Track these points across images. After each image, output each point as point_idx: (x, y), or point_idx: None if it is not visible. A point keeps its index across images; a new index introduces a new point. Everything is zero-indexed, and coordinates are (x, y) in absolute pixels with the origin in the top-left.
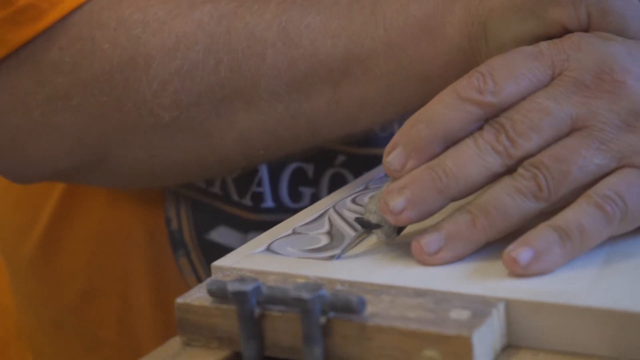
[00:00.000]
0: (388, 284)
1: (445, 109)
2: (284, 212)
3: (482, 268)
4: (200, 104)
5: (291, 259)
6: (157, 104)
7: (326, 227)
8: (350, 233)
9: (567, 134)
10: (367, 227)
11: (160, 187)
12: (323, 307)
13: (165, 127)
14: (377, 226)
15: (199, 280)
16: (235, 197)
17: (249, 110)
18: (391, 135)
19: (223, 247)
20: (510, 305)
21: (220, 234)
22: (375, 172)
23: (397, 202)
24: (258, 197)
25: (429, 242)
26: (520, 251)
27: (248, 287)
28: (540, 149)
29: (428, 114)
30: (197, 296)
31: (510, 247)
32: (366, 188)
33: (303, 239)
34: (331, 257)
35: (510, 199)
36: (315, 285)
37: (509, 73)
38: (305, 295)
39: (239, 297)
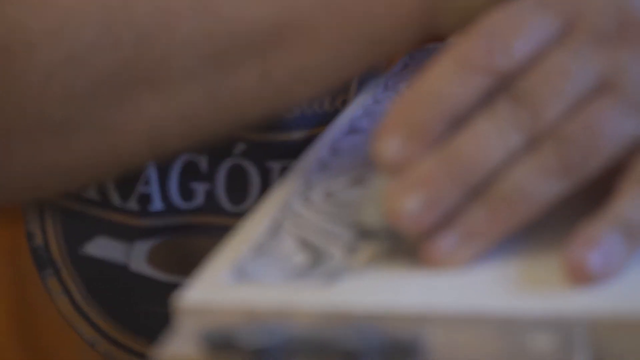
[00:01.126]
0: (425, 313)
1: (448, 82)
2: (174, 214)
3: (524, 273)
4: (97, 94)
5: (276, 287)
6: (44, 99)
7: (294, 241)
8: (324, 245)
9: (593, 97)
10: (369, 236)
11: (37, 199)
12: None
13: (55, 126)
14: (382, 235)
15: (73, 303)
16: (116, 201)
17: (159, 95)
18: (303, 115)
19: (102, 262)
20: (593, 326)
21: (98, 247)
22: (307, 162)
23: (410, 205)
24: (145, 199)
25: (442, 243)
26: (590, 255)
27: (272, 339)
28: (565, 118)
29: (428, 90)
30: (183, 352)
31: (573, 250)
32: (307, 185)
33: (274, 257)
34: (327, 280)
35: (534, 182)
36: (362, 327)
37: (517, 30)
38: (356, 343)
39: (264, 357)
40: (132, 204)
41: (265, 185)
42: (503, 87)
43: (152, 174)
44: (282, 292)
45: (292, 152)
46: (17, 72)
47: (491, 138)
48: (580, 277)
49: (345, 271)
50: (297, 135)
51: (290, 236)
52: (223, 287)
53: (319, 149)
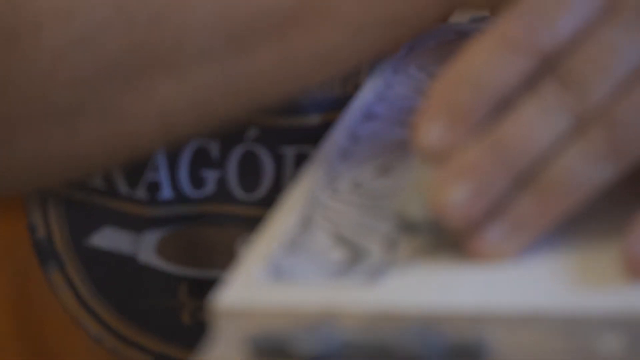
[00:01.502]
0: (486, 313)
1: (491, 63)
2: (184, 203)
3: (581, 267)
4: (108, 78)
5: (317, 287)
6: (51, 83)
7: (328, 236)
8: (362, 239)
9: None
10: (412, 229)
11: (41, 189)
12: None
13: (62, 112)
14: (426, 228)
15: (78, 298)
16: (124, 189)
17: (173, 78)
18: (316, 99)
19: (109, 254)
20: None
21: (104, 238)
22: (328, 150)
23: (457, 195)
24: (154, 187)
25: (490, 234)
26: None
27: (327, 344)
28: (614, 98)
29: (470, 71)
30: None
31: (632, 243)
32: (333, 175)
33: (310, 254)
34: (373, 280)
35: (584, 167)
36: (420, 329)
37: (560, 7)
38: (418, 350)
39: None
40: (141, 193)
41: (279, 172)
42: (548, 67)
43: (161, 160)
44: (326, 292)
45: (307, 137)
46: (23, 54)
47: (538, 122)
48: None
49: (389, 268)
50: (311, 119)
51: (323, 230)
52: (262, 287)
53: (337, 137)
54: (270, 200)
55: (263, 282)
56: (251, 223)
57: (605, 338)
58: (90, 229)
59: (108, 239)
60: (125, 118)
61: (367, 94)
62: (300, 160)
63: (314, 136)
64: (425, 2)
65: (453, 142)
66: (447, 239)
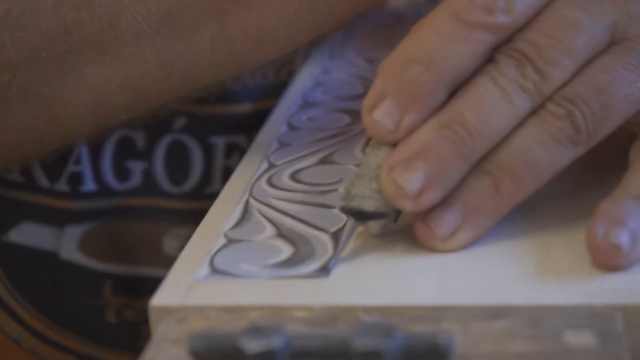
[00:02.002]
0: (436, 305)
1: (447, 42)
2: (108, 196)
3: (542, 256)
4: (37, 61)
5: (264, 283)
6: None
7: (271, 229)
8: (306, 232)
9: (604, 52)
10: (362, 218)
11: None
12: (401, 358)
13: None
14: (377, 215)
15: None
16: (43, 182)
17: (106, 61)
18: (247, 87)
19: (29, 250)
20: (631, 314)
21: (23, 233)
22: (264, 140)
23: (412, 180)
24: (75, 179)
25: (442, 222)
26: (619, 234)
27: (275, 341)
28: (575, 77)
29: (424, 50)
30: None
31: (599, 229)
32: (271, 166)
33: (252, 248)
34: (320, 272)
35: (541, 149)
36: (380, 326)
37: None
38: (379, 344)
39: None
40: (62, 185)
41: (208, 163)
42: (506, 44)
43: (83, 151)
44: (272, 288)
45: (237, 126)
46: None
47: (497, 103)
48: (613, 258)
49: (337, 261)
50: (242, 107)
51: (264, 223)
52: (190, 284)
53: (274, 126)
54: (199, 193)
55: (204, 280)
56: (179, 217)
57: (570, 332)
58: (8, 224)
59: (27, 234)
60: (55, 102)
61: (304, 80)
62: (231, 150)
63: (245, 125)
64: None
65: (406, 123)
66: (395, 225)
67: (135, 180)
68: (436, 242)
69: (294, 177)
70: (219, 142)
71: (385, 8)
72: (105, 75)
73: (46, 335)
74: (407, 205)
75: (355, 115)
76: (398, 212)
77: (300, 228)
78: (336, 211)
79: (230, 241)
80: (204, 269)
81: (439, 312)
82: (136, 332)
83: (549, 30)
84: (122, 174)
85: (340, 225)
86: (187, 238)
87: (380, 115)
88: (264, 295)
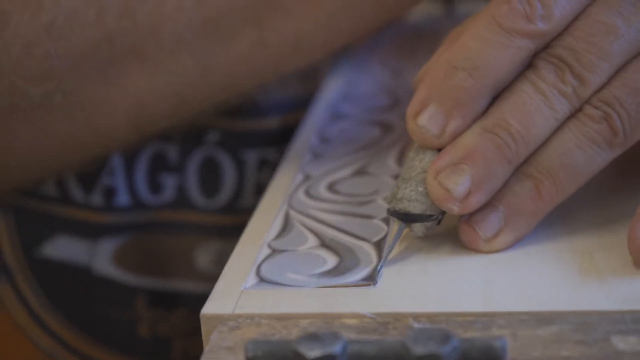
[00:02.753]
0: (485, 311)
1: (489, 48)
2: (142, 209)
3: (584, 261)
4: (81, 69)
5: (312, 292)
6: (21, 75)
7: (313, 239)
8: (349, 242)
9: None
10: (409, 220)
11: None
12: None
13: (31, 106)
14: (424, 218)
15: (29, 312)
16: (78, 195)
17: (147, 68)
18: (274, 100)
19: (62, 264)
20: None
21: (57, 247)
22: (297, 152)
23: (459, 183)
24: (109, 192)
25: (486, 223)
26: None
27: (334, 347)
28: (612, 81)
29: (467, 57)
30: None
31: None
32: (307, 177)
33: (297, 258)
34: (367, 280)
35: (580, 152)
36: (435, 332)
37: None
38: (437, 348)
39: None
40: (96, 198)
41: (240, 178)
42: (545, 50)
43: (117, 164)
44: (321, 296)
45: (268, 140)
46: None
47: (538, 108)
48: None
49: (382, 269)
50: (270, 121)
51: (307, 233)
52: (241, 293)
53: (305, 138)
54: (231, 208)
55: (253, 289)
56: (211, 231)
57: (618, 337)
58: (42, 238)
59: (61, 248)
60: (97, 110)
61: (330, 93)
62: (262, 164)
63: (275, 139)
64: None
65: (451, 128)
66: (439, 227)
67: (169, 194)
68: (480, 243)
69: (331, 188)
70: (251, 157)
71: (404, 22)
72: (146, 83)
73: (80, 350)
74: (455, 208)
75: (384, 126)
76: (442, 215)
77: (342, 238)
78: (376, 221)
79: (274, 251)
80: (252, 279)
81: (487, 319)
82: (168, 346)
83: (586, 35)
84: (155, 187)
85: (382, 235)
86: (219, 252)
87: (425, 120)
88: (313, 303)
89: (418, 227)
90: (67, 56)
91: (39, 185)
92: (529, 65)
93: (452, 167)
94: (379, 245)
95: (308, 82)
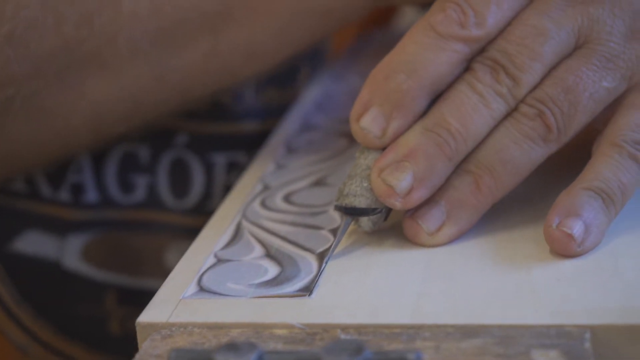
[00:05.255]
0: (412, 324)
1: (426, 52)
2: (111, 207)
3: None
4: (40, 75)
5: (247, 302)
6: None
7: (259, 249)
8: (293, 252)
9: (571, 54)
10: (354, 214)
11: None
12: None
13: None
14: (368, 211)
15: (1, 305)
16: (46, 191)
17: (104, 75)
18: (246, 105)
19: (33, 259)
20: (599, 334)
21: (27, 242)
22: (261, 163)
23: (402, 180)
24: (77, 189)
25: (429, 218)
26: (572, 224)
27: (249, 357)
28: (545, 80)
29: (405, 61)
30: None
31: (554, 219)
32: (266, 188)
33: (240, 268)
34: (303, 291)
35: (516, 147)
36: (349, 344)
37: None
38: (349, 358)
39: None
40: (64, 195)
41: (209, 180)
42: (481, 54)
43: (85, 162)
44: (255, 306)
45: (238, 144)
46: None
47: (475, 107)
48: (567, 247)
49: (319, 281)
50: (244, 126)
51: (254, 243)
52: (178, 302)
53: (273, 147)
54: (200, 209)
55: (191, 298)
56: (180, 231)
57: (537, 351)
58: (13, 233)
59: (31, 243)
60: (56, 115)
61: (305, 104)
62: (232, 168)
63: (247, 144)
64: None
65: (392, 129)
66: (384, 222)
67: (140, 193)
68: (423, 236)
69: (287, 198)
70: (220, 160)
71: (388, 31)
72: (103, 89)
73: (52, 344)
74: (397, 203)
75: (352, 137)
76: (388, 211)
77: (287, 249)
78: (324, 232)
79: (219, 261)
80: (192, 288)
81: (414, 331)
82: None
83: (518, 38)
84: (126, 187)
85: (327, 245)
86: None
87: (367, 122)
88: (246, 313)
89: (365, 222)
90: (26, 63)
91: (7, 183)
92: (466, 68)
93: (395, 165)
94: (321, 257)
95: (285, 91)
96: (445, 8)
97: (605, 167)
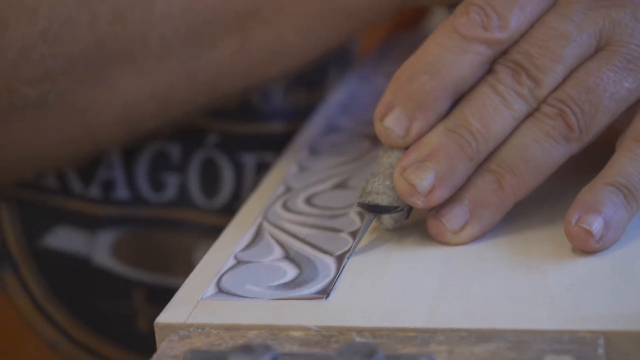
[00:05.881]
0: (427, 328)
1: (449, 54)
2: (141, 204)
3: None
4: (73, 72)
5: (265, 303)
6: (17, 77)
7: (279, 251)
8: (312, 254)
9: (592, 56)
10: (376, 211)
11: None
12: None
13: (27, 106)
14: (390, 209)
15: (33, 301)
16: (77, 187)
17: (135, 72)
18: (275, 105)
19: (64, 255)
20: (612, 340)
21: (58, 237)
22: (284, 165)
23: (423, 179)
24: (108, 185)
25: (452, 217)
26: (592, 220)
27: (263, 359)
28: (566, 81)
29: (429, 62)
30: None
31: (574, 215)
32: (288, 189)
33: (259, 270)
34: (320, 294)
35: (538, 146)
36: (363, 347)
37: (510, 0)
38: None
39: None
40: (94, 191)
41: (239, 180)
42: (503, 56)
43: (116, 158)
44: (272, 308)
45: (266, 144)
46: None
47: (497, 108)
48: (586, 243)
49: (337, 284)
50: (273, 127)
51: (274, 245)
52: (197, 303)
53: (296, 150)
54: (229, 209)
55: (210, 299)
56: (210, 231)
57: (551, 357)
58: (44, 229)
59: (62, 238)
60: (88, 111)
61: (331, 105)
62: (260, 168)
63: (276, 144)
64: None
65: (415, 129)
66: (407, 220)
67: (171, 192)
68: (447, 235)
69: (308, 201)
70: (249, 161)
71: (415, 33)
72: (135, 85)
73: (80, 340)
74: (419, 202)
75: (375, 139)
76: (409, 209)
77: (306, 251)
78: (344, 235)
79: (239, 262)
80: (211, 289)
81: (428, 335)
82: None
83: (540, 41)
84: (157, 185)
85: (345, 248)
86: None
87: (391, 122)
88: (263, 315)
89: (387, 219)
90: (60, 59)
91: (38, 178)
92: (488, 70)
93: (417, 164)
94: (340, 259)
95: (313, 92)
96: (469, 11)
97: (627, 162)
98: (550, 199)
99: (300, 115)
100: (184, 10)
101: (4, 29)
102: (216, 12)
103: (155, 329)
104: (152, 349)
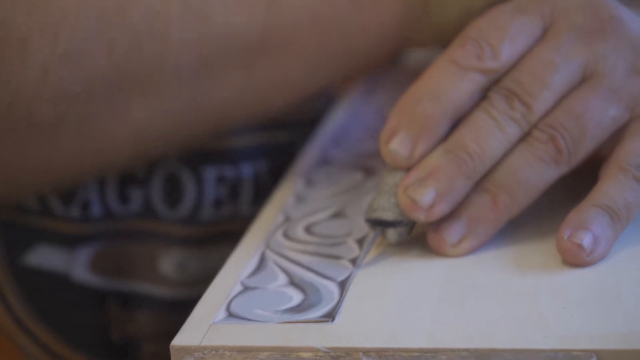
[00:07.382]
0: (430, 347)
1: (448, 81)
2: (112, 219)
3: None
4: (89, 95)
5: (274, 326)
6: (37, 97)
7: (283, 278)
8: (315, 280)
9: (578, 86)
10: (382, 226)
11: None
12: None
13: (45, 125)
14: (395, 224)
15: (13, 317)
16: (58, 208)
17: (148, 98)
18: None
19: (44, 273)
20: (604, 358)
21: (38, 256)
22: (282, 196)
23: (425, 195)
24: (85, 204)
25: (451, 231)
26: (582, 236)
27: None
28: (555, 107)
29: (430, 89)
30: None
31: (565, 232)
32: (287, 219)
33: (266, 295)
34: (326, 317)
35: (530, 168)
36: None
37: (502, 33)
38: None
39: None
40: (74, 210)
41: (200, 192)
42: (496, 84)
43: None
44: (282, 331)
45: (225, 158)
46: (11, 69)
47: (491, 131)
48: (577, 257)
49: (341, 308)
50: (239, 141)
51: (278, 272)
52: (210, 326)
53: (293, 182)
54: (191, 219)
55: (221, 323)
56: (173, 240)
57: None
58: (24, 247)
59: (42, 256)
60: (102, 134)
61: (324, 137)
62: (220, 181)
63: (232, 157)
64: (379, 36)
65: (419, 151)
66: (409, 235)
67: (136, 204)
68: (446, 248)
69: (308, 229)
70: (210, 175)
71: (403, 66)
72: (146, 112)
73: (60, 354)
74: (421, 216)
75: (367, 171)
76: (412, 224)
77: (310, 277)
78: (344, 262)
79: (246, 288)
80: (221, 313)
81: (431, 355)
82: (138, 349)
83: (530, 70)
84: (124, 198)
85: (346, 274)
86: (181, 260)
87: (397, 145)
88: (273, 337)
89: (391, 234)
90: (78, 83)
91: (39, 196)
92: (483, 97)
93: (419, 182)
94: (343, 285)
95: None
96: (465, 43)
97: (612, 187)
98: (540, 217)
99: (257, 129)
100: (197, 41)
101: (24, 49)
102: (227, 44)
103: (171, 350)
104: (126, 357)
